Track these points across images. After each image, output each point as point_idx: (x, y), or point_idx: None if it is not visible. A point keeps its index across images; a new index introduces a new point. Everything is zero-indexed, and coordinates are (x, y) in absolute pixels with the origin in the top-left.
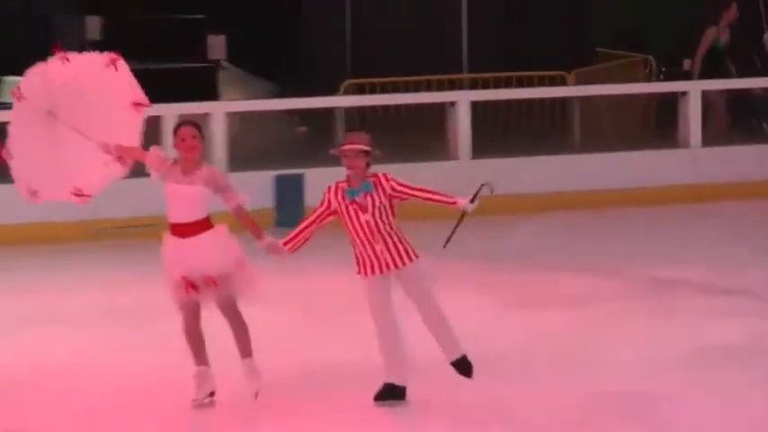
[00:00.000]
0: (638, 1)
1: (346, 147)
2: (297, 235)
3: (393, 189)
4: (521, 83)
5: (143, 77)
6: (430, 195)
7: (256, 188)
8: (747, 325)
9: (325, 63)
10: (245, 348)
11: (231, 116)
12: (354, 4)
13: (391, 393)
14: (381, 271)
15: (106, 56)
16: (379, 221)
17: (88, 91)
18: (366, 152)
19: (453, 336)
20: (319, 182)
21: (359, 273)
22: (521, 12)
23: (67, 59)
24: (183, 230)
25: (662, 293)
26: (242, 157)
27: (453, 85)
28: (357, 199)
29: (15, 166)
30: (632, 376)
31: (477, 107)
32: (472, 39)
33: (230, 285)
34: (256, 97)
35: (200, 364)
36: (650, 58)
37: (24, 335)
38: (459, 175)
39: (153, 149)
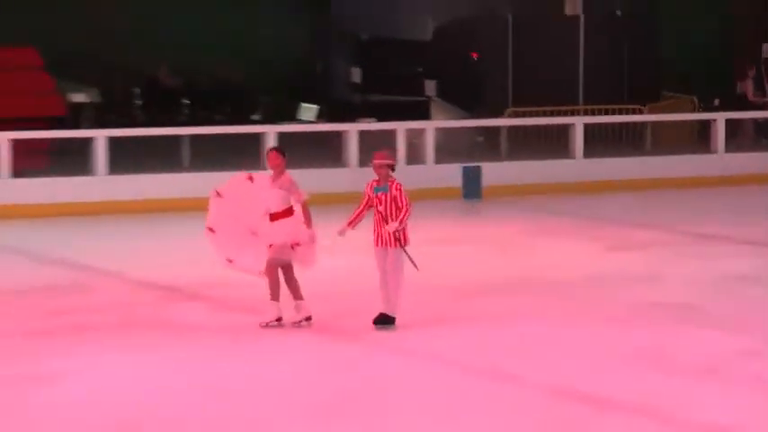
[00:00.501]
0: (687, 62)
1: (375, 161)
2: (355, 218)
3: (394, 196)
4: (614, 111)
5: (384, 106)
6: (401, 212)
7: (451, 174)
8: (763, 262)
9: (495, 96)
10: (295, 294)
11: (438, 130)
12: (514, 59)
13: (385, 320)
14: (381, 245)
15: (245, 174)
16: (387, 213)
17: (255, 198)
18: (388, 164)
19: (397, 301)
20: (491, 171)
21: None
22: (613, 66)
23: (219, 194)
24: (273, 217)
25: (702, 242)
26: (443, 155)
27: (573, 113)
28: (378, 194)
29: (240, 266)
30: (677, 292)
31: (587, 126)
32: (586, 82)
33: (286, 253)
34: (453, 119)
35: (273, 299)
36: (694, 98)
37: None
38: (576, 168)
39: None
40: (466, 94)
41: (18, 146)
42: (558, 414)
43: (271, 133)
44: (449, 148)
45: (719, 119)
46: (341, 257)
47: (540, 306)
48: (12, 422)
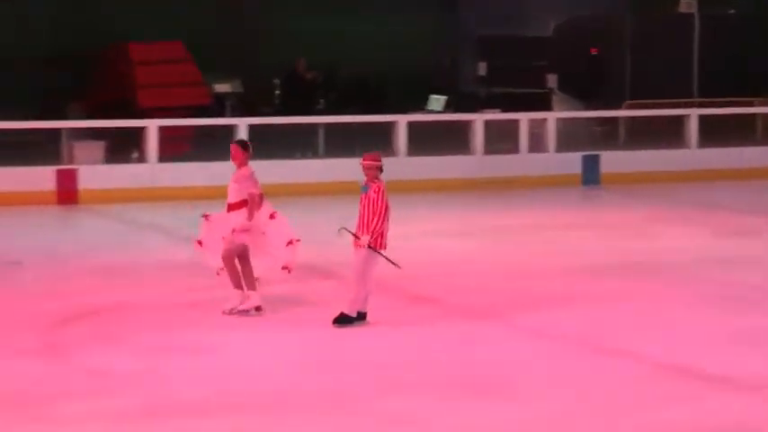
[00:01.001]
0: None
1: (364, 162)
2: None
3: (372, 199)
4: (725, 104)
5: (508, 97)
6: (375, 218)
7: (571, 162)
8: None
9: (613, 89)
10: (249, 284)
11: (559, 120)
12: (632, 55)
13: (342, 319)
14: (355, 245)
15: (270, 210)
16: (364, 214)
17: (271, 230)
18: (377, 165)
19: (355, 301)
20: (609, 159)
21: None
22: (726, 61)
23: (207, 218)
24: (228, 208)
25: None
26: (564, 144)
27: (688, 105)
28: (362, 194)
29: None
30: (749, 271)
31: (702, 118)
32: (700, 76)
33: (237, 240)
34: (574, 110)
35: (235, 288)
36: None
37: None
38: (690, 157)
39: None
40: (585, 87)
41: (165, 132)
42: (670, 389)
43: (401, 122)
44: (569, 137)
45: None
46: (458, 240)
47: (653, 287)
48: (154, 391)
